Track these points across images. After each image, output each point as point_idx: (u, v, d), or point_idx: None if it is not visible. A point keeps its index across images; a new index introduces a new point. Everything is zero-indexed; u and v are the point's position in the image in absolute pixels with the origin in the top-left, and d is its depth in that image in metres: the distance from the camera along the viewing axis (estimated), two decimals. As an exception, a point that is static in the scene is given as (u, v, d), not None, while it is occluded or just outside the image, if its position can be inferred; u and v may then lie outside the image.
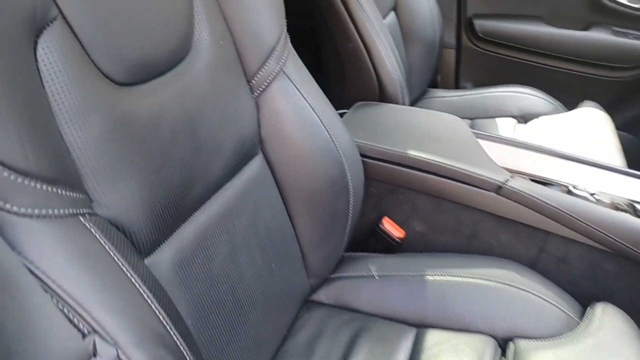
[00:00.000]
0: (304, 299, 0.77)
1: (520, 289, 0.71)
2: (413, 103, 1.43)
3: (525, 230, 0.77)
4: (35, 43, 0.39)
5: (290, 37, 0.72)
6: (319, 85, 0.75)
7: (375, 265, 0.79)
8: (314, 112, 0.70)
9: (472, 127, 1.33)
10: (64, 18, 0.42)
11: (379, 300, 0.75)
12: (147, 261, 0.49)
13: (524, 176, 0.80)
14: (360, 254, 0.84)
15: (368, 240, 0.88)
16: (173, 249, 0.52)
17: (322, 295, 0.78)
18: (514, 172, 0.80)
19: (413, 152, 0.81)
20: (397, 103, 1.02)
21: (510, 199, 0.76)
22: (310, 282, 0.76)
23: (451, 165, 0.77)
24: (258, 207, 0.67)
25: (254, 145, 0.67)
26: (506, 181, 0.76)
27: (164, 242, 0.51)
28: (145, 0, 0.50)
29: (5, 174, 0.34)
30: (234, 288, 0.59)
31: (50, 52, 0.40)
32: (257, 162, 0.68)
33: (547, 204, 0.74)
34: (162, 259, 0.50)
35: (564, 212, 0.73)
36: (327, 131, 0.71)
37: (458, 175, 0.77)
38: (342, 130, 0.75)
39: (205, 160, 0.57)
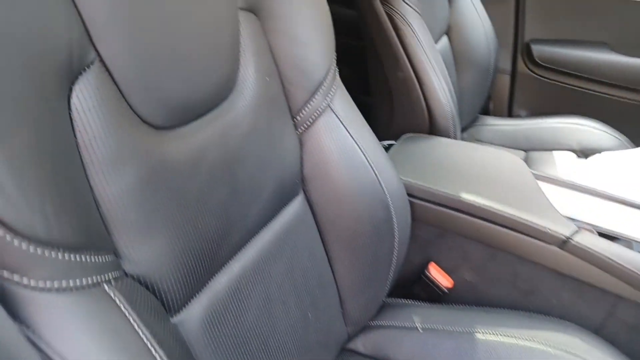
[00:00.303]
0: (340, 348, 0.72)
1: (584, 359, 0.63)
2: (463, 130, 1.36)
3: (592, 291, 0.69)
4: (70, 90, 0.36)
5: (338, 57, 0.68)
6: (366, 109, 0.71)
7: (419, 315, 0.73)
8: (361, 150, 0.66)
9: (526, 159, 1.25)
10: (102, 61, 0.39)
11: (421, 356, 0.69)
12: (175, 319, 0.45)
13: (590, 228, 0.72)
14: (403, 300, 0.78)
15: (412, 286, 0.82)
16: (204, 304, 0.48)
17: (359, 344, 0.73)
18: (578, 223, 0.72)
19: (466, 195, 0.74)
20: (448, 136, 0.96)
21: (576, 256, 0.68)
22: (347, 329, 0.71)
23: (510, 214, 0.71)
24: (296, 252, 0.62)
25: (295, 185, 0.63)
26: (572, 235, 0.68)
27: (194, 296, 0.47)
28: (190, 38, 0.46)
29: (24, 246, 0.31)
30: (266, 343, 0.55)
31: (85, 98, 0.37)
32: (297, 203, 0.64)
33: (619, 264, 0.65)
34: (192, 315, 0.47)
35: (638, 274, 0.65)
36: (374, 171, 0.66)
37: (517, 225, 0.70)
38: (389, 170, 0.70)
39: (243, 205, 0.53)
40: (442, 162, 0.85)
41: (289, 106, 0.61)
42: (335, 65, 0.66)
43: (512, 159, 0.83)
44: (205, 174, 0.48)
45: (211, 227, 0.48)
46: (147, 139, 0.42)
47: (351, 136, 0.65)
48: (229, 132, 0.51)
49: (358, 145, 0.66)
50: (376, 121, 1.13)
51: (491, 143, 1.35)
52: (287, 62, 0.60)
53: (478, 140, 1.36)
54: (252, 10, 0.56)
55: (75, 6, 0.37)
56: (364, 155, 0.66)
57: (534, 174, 0.81)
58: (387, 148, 0.94)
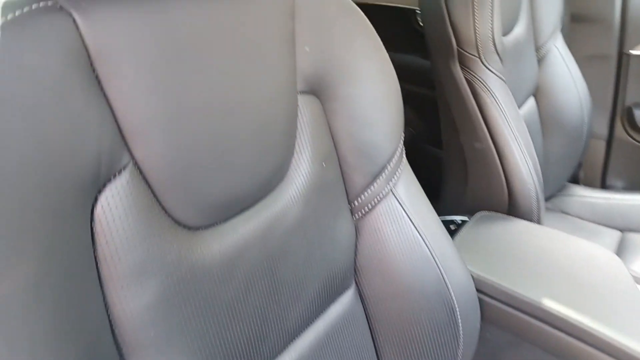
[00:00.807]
0: None
1: None
2: (548, 199, 1.22)
3: None
4: (95, 200, 0.33)
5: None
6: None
7: None
8: (424, 242, 0.58)
9: (621, 242, 1.09)
10: (136, 164, 0.35)
11: None
12: None
13: None
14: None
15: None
16: None
17: None
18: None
19: (549, 302, 0.63)
20: (530, 219, 0.84)
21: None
22: None
23: (604, 335, 0.58)
24: (342, 354, 0.55)
25: (346, 279, 0.57)
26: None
27: None
28: (240, 130, 0.41)
29: None
30: None
31: (112, 208, 0.33)
32: (347, 298, 0.57)
33: None
34: None
35: None
36: (438, 267, 0.58)
37: (613, 350, 0.58)
38: (457, 266, 0.61)
39: (283, 307, 0.48)
40: (522, 253, 0.74)
41: (346, 191, 0.56)
42: (402, 146, 0.59)
43: (608, 258, 0.71)
44: (241, 277, 0.43)
45: (243, 337, 0.43)
46: (179, 243, 0.38)
47: (414, 225, 0.58)
48: (274, 226, 0.46)
49: (422, 236, 0.58)
50: (447, 189, 1.04)
51: (580, 217, 1.20)
52: (349, 145, 0.54)
53: (564, 213, 1.22)
54: (314, 92, 0.51)
55: (110, 107, 0.33)
56: (428, 247, 0.58)
57: (634, 277, 0.67)
58: (458, 225, 0.84)
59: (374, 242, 0.57)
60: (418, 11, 1.31)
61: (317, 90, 0.51)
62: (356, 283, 0.58)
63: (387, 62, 0.56)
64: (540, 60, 1.14)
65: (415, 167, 0.63)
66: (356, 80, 0.53)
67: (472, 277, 0.64)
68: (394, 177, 0.57)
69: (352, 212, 0.56)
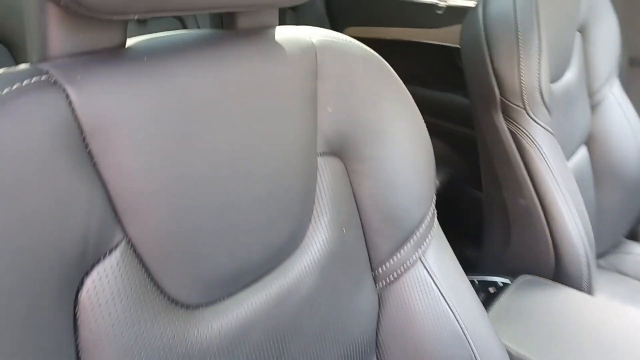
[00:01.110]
0: None
1: None
2: (601, 256, 1.12)
3: None
4: (81, 283, 0.30)
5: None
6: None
7: None
8: (455, 317, 0.53)
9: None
10: (129, 242, 0.32)
11: None
12: None
13: None
14: None
15: None
16: None
17: None
18: None
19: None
20: (578, 286, 0.76)
21: None
22: None
23: None
24: None
25: (366, 355, 0.51)
26: None
27: None
28: (249, 198, 0.38)
29: None
30: None
31: (98, 291, 0.30)
32: None
33: None
34: None
35: None
36: (470, 345, 0.52)
37: None
38: (491, 343, 0.54)
39: None
40: (567, 328, 0.66)
41: (369, 257, 0.51)
42: (433, 209, 0.54)
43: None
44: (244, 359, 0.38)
45: None
46: (174, 325, 0.34)
47: (444, 298, 0.53)
48: (284, 300, 0.42)
49: (452, 310, 0.53)
50: (488, 244, 0.97)
51: (638, 279, 1.09)
52: (374, 209, 0.50)
53: (620, 273, 1.11)
54: (336, 154, 0.48)
55: (103, 183, 0.31)
56: (459, 323, 0.53)
57: None
58: (499, 288, 0.77)
59: (398, 315, 0.52)
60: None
61: (340, 152, 0.48)
62: (377, 358, 0.52)
63: (418, 123, 0.53)
64: (594, 107, 1.06)
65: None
66: (384, 141, 0.49)
67: (510, 354, 0.57)
68: (423, 244, 0.53)
69: (375, 281, 0.52)
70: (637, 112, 1.10)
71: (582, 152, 1.06)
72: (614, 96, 1.07)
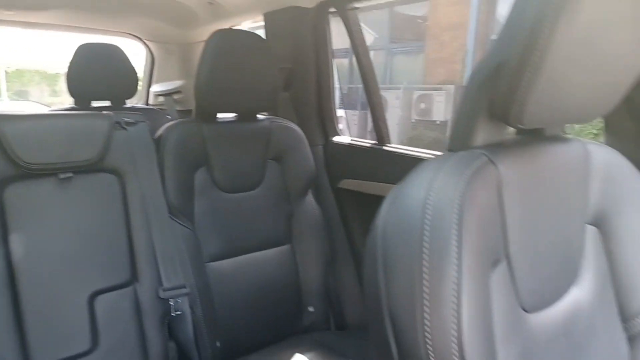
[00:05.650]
0: None
1: None
2: None
3: None
4: None
5: None
6: None
7: None
8: None
9: None
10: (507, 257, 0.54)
11: None
12: None
13: None
14: None
15: None
16: None
17: None
18: None
19: None
20: None
21: None
22: None
23: None
24: None
25: None
26: None
27: None
28: (549, 246, 0.60)
29: None
30: None
31: None
32: None
33: None
34: None
35: None
36: None
37: None
38: None
39: None
40: None
41: (620, 312, 0.66)
42: None
43: None
44: (555, 357, 0.57)
45: None
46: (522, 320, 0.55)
47: None
48: (573, 321, 0.61)
49: None
50: None
51: None
52: (623, 268, 0.66)
53: None
54: (596, 224, 0.66)
55: (504, 216, 0.55)
56: None
57: None
58: None
59: None
60: None
61: (600, 224, 0.67)
62: None
63: None
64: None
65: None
66: (632, 214, 0.67)
67: None
68: None
69: (625, 332, 0.66)
70: None
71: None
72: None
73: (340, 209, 1.64)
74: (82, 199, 1.11)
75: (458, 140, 0.59)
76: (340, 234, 1.62)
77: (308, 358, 1.31)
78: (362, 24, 1.52)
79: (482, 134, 0.58)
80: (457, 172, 0.51)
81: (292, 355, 1.32)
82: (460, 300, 0.45)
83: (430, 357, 0.45)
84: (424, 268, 0.46)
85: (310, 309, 1.47)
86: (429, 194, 0.49)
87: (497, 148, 0.57)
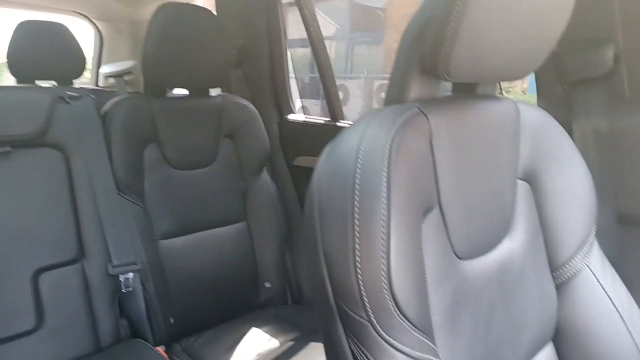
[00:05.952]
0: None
1: None
2: None
3: None
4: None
5: None
6: None
7: None
8: (618, 312, 0.71)
9: None
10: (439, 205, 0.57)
11: None
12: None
13: None
14: None
15: None
16: None
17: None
18: None
19: None
20: None
21: None
22: None
23: None
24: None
25: (545, 336, 0.71)
26: None
27: None
28: (484, 197, 0.64)
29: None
30: None
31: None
32: (546, 353, 0.71)
33: None
34: None
35: None
36: (631, 336, 0.70)
37: None
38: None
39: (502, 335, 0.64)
40: None
41: (549, 262, 0.72)
42: (595, 227, 0.73)
43: None
44: (486, 303, 0.61)
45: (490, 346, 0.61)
46: (456, 266, 0.58)
47: (609, 297, 0.71)
48: (506, 269, 0.65)
49: (615, 307, 0.71)
50: None
51: None
52: (552, 223, 0.71)
53: None
54: (527, 179, 0.71)
55: (434, 163, 0.58)
56: (621, 318, 0.71)
57: None
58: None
59: (571, 310, 0.71)
60: None
61: (530, 178, 0.71)
62: (553, 341, 0.73)
63: (582, 164, 0.74)
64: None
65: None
66: (559, 171, 0.72)
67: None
68: (588, 255, 0.72)
69: (553, 280, 0.72)
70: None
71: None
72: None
73: (296, 185, 1.65)
74: (24, 175, 1.08)
75: (392, 95, 0.61)
76: (296, 210, 1.64)
77: (264, 331, 1.32)
78: (323, 15, 1.54)
79: (416, 89, 0.60)
80: (388, 122, 0.53)
81: (248, 329, 1.32)
82: (389, 237, 0.46)
83: (362, 290, 0.47)
84: (355, 208, 0.47)
85: (267, 284, 1.48)
86: (362, 141, 0.51)
87: (430, 102, 0.59)
